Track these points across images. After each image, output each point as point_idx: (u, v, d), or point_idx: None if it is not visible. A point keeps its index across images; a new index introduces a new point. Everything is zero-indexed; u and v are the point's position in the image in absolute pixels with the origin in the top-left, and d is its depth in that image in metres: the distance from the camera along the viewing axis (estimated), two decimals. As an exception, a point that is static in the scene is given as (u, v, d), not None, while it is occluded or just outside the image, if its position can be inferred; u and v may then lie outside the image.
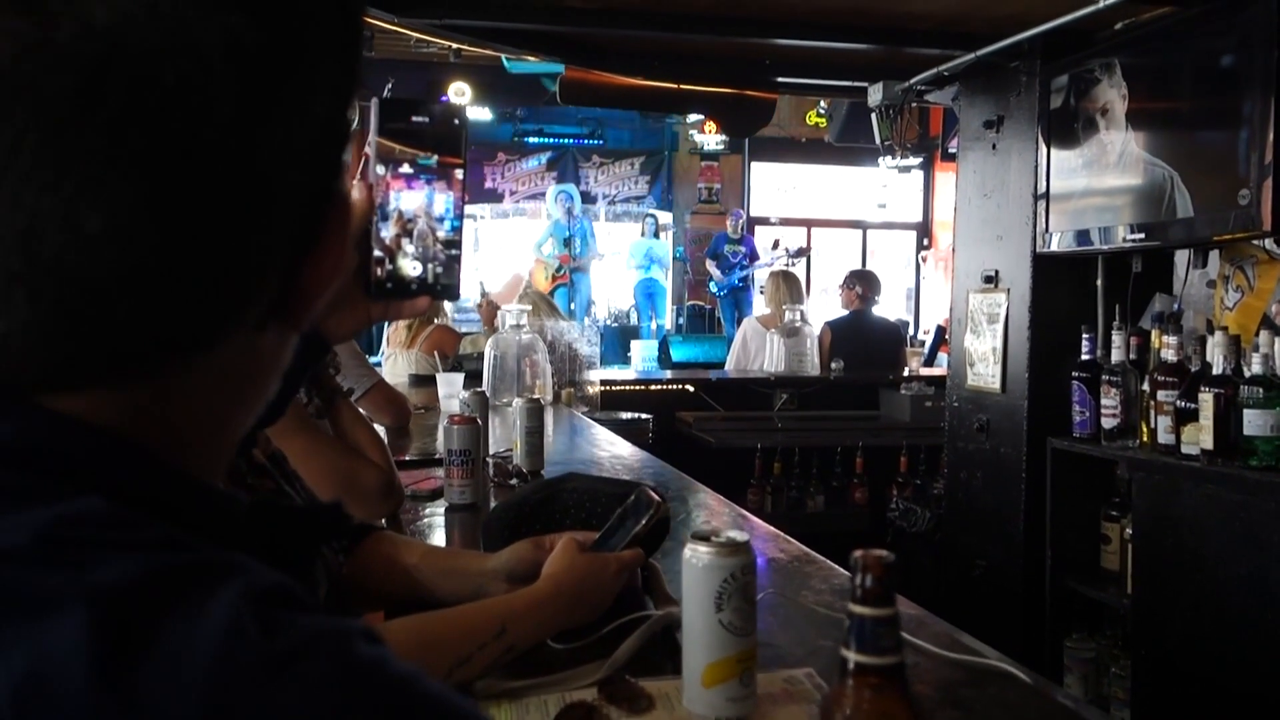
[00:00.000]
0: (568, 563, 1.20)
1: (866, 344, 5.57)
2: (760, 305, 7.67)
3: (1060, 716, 1.12)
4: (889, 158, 4.21)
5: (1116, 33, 3.09)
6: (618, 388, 4.97)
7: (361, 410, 2.04)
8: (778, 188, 11.73)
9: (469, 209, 0.90)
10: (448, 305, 5.31)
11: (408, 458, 2.56)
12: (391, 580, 1.29)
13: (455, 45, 5.05)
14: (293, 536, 0.55)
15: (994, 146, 3.56)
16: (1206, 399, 2.54)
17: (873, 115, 4.03)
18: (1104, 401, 2.94)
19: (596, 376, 4.73)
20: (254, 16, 0.42)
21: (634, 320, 10.31)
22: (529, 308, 4.19)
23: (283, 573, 0.42)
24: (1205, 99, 2.76)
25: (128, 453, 0.43)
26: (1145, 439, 2.84)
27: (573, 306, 9.77)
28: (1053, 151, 3.28)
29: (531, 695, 1.06)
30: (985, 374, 3.55)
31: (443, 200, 0.88)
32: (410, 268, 0.87)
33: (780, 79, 4.13)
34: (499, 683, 1.08)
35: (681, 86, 4.11)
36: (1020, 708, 1.12)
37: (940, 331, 7.85)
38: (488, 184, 10.84)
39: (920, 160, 9.98)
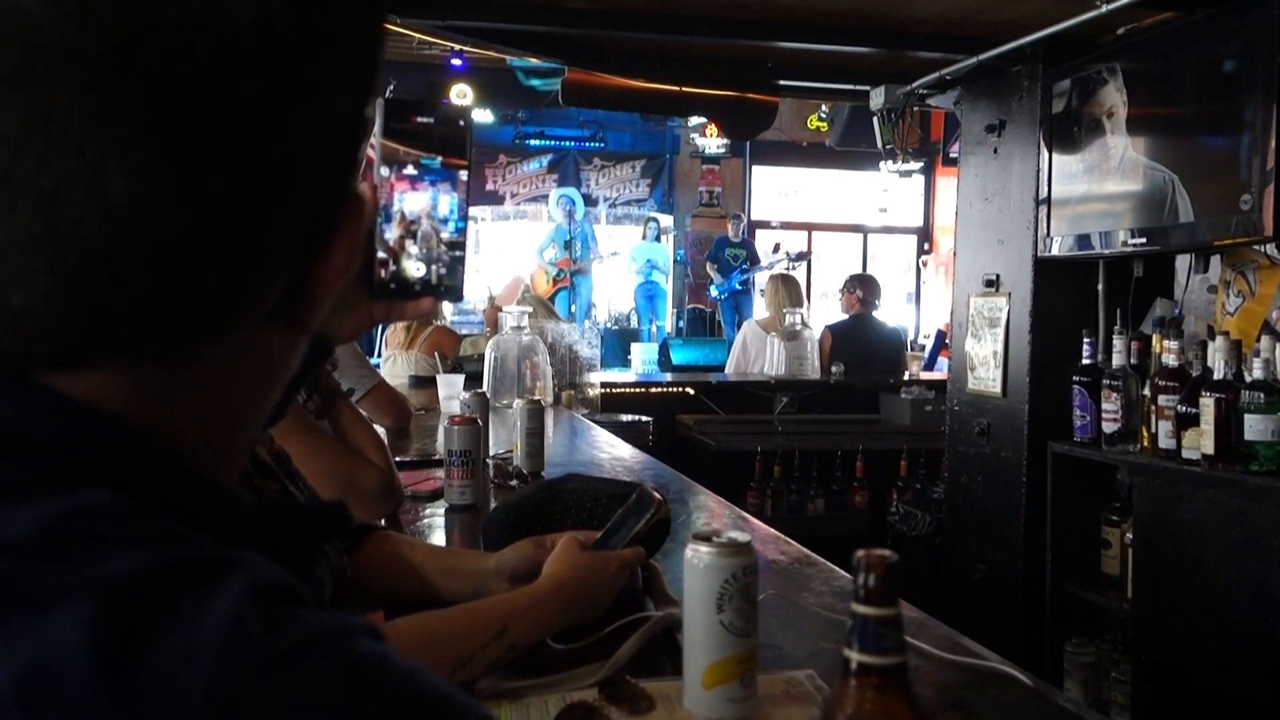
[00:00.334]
0: (569, 561, 1.20)
1: (867, 348, 5.57)
2: (761, 309, 7.67)
3: (1061, 720, 1.12)
4: (890, 162, 4.22)
5: (1119, 38, 3.09)
6: (618, 390, 4.97)
7: (362, 411, 2.04)
8: (779, 191, 11.74)
9: (470, 211, 0.90)
10: (447, 307, 5.32)
11: (408, 458, 2.56)
12: (393, 579, 1.29)
13: (457, 47, 5.06)
14: (296, 534, 0.55)
15: (995, 151, 3.56)
16: (1207, 404, 2.53)
17: (874, 119, 4.03)
18: (1105, 406, 2.94)
19: (597, 379, 4.73)
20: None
21: (634, 323, 10.31)
22: (530, 309, 4.20)
23: (286, 570, 0.42)
24: (1207, 104, 2.76)
25: (135, 444, 0.43)
26: (1146, 443, 2.83)
27: (573, 309, 9.78)
28: (1054, 156, 3.28)
29: (532, 695, 1.06)
30: (986, 378, 3.55)
31: (446, 201, 0.88)
32: (414, 269, 0.87)
33: (782, 82, 4.13)
34: (499, 682, 1.07)
35: (683, 89, 4.11)
36: (1021, 710, 1.12)
37: (940, 336, 7.86)
38: (489, 186, 10.85)
39: (921, 164, 10.03)
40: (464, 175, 0.88)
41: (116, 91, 0.39)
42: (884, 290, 6.30)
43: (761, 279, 8.99)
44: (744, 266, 9.86)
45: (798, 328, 5.48)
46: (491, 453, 2.42)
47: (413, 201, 0.87)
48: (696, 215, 11.31)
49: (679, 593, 1.11)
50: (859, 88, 4.01)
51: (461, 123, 0.89)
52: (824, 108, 10.18)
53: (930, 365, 7.49)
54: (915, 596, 1.50)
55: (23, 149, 0.38)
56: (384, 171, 0.86)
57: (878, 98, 3.87)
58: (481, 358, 3.90)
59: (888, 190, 11.41)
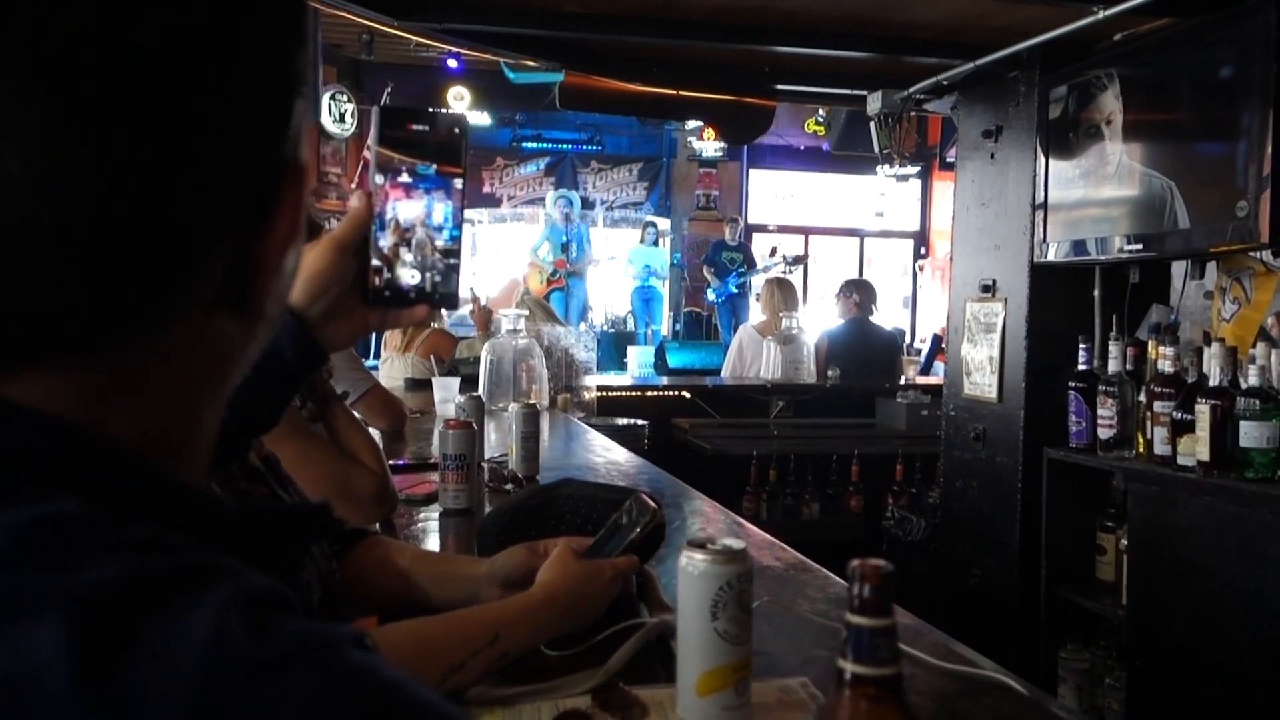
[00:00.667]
0: (563, 569, 1.19)
1: (863, 352, 5.57)
2: (757, 312, 7.68)
3: (1056, 728, 1.11)
4: (887, 166, 4.22)
5: (1115, 44, 3.10)
6: (614, 393, 4.96)
7: (357, 414, 2.03)
8: (776, 195, 11.75)
9: (466, 213, 0.89)
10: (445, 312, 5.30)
11: (402, 462, 2.55)
12: (385, 584, 1.28)
13: (454, 49, 5.05)
14: (279, 539, 0.54)
15: (992, 156, 3.56)
16: (1203, 410, 2.53)
17: (871, 124, 4.03)
18: (1100, 412, 2.94)
19: (593, 382, 4.72)
20: None
21: (631, 326, 10.30)
22: (526, 313, 4.19)
23: (270, 576, 0.41)
24: (1204, 110, 2.76)
25: (100, 448, 0.42)
26: (1141, 450, 2.83)
27: (567, 311, 9.77)
28: (1051, 161, 3.28)
29: (524, 702, 1.06)
30: (982, 383, 3.54)
31: (441, 209, 0.88)
32: (408, 277, 0.87)
33: (779, 86, 4.13)
34: (491, 690, 1.07)
35: (681, 93, 4.11)
36: None
37: (936, 340, 7.87)
38: (485, 189, 10.85)
39: (918, 169, 10.04)
40: (459, 183, 0.88)
41: (1, 65, 0.37)
42: (880, 295, 6.30)
43: (758, 283, 8.99)
44: (740, 270, 9.86)
45: (794, 332, 5.48)
46: (486, 456, 2.42)
47: (407, 209, 0.86)
48: (693, 219, 11.30)
49: (673, 598, 1.11)
50: (856, 92, 4.01)
51: (457, 130, 0.88)
52: (821, 112, 10.19)
53: (926, 370, 7.50)
54: (910, 602, 1.50)
55: None
56: (379, 179, 0.86)
57: (875, 102, 3.88)
58: (477, 360, 3.90)
59: (884, 194, 11.43)
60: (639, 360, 7.98)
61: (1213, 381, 2.55)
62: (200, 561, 0.39)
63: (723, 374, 5.99)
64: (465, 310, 6.04)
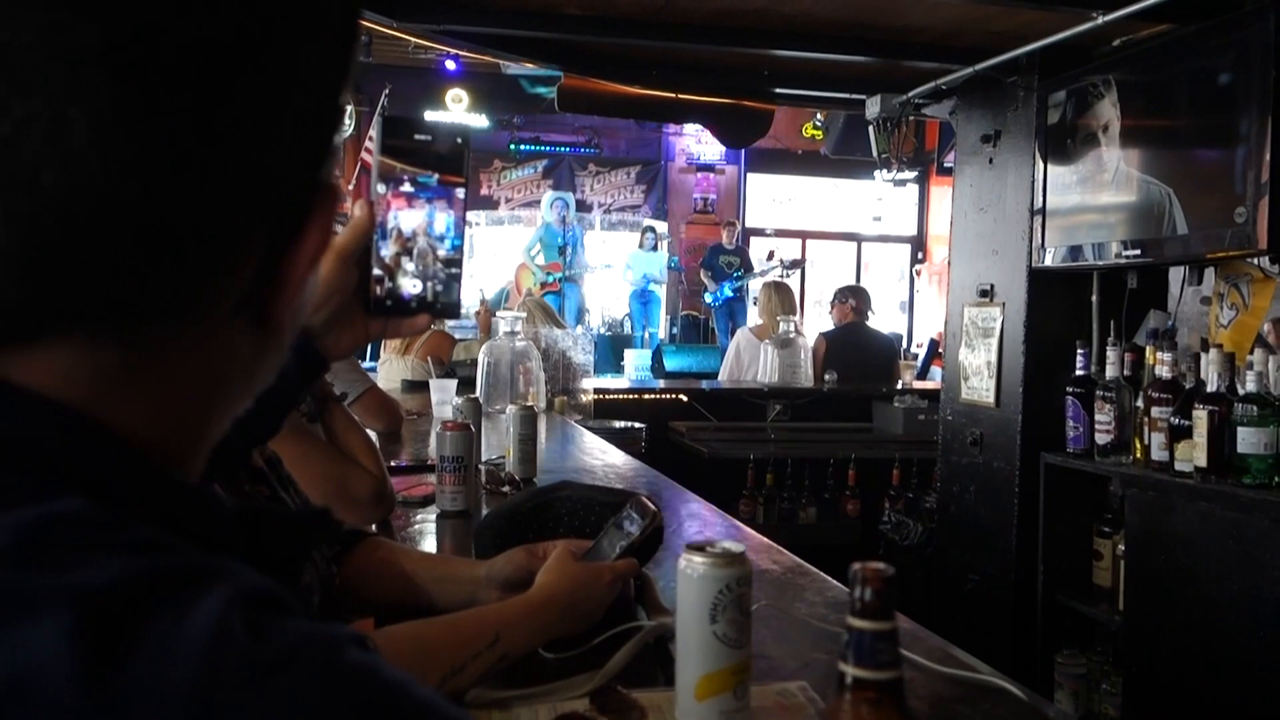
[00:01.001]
0: (562, 571, 1.19)
1: (860, 356, 5.57)
2: (754, 316, 7.68)
3: (1055, 733, 1.11)
4: (885, 171, 4.22)
5: (1114, 49, 3.10)
6: (611, 396, 4.96)
7: (354, 415, 2.03)
8: (773, 199, 11.76)
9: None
10: (444, 317, 5.30)
11: (400, 463, 2.55)
12: (384, 586, 1.28)
13: (454, 51, 5.05)
14: (280, 542, 0.54)
15: (990, 161, 3.57)
16: (1200, 416, 2.54)
17: (869, 128, 4.04)
18: (1098, 417, 2.94)
19: (590, 385, 4.72)
20: None
21: (628, 329, 10.30)
22: (524, 314, 4.19)
23: (270, 578, 0.41)
24: (1202, 117, 2.76)
25: (105, 443, 0.42)
26: (1139, 455, 2.83)
27: (562, 315, 9.76)
28: (1049, 167, 3.28)
29: (522, 705, 1.06)
30: (979, 388, 3.55)
31: (443, 219, 0.88)
32: (410, 286, 0.87)
33: (778, 90, 4.13)
34: (490, 692, 1.07)
35: (679, 96, 4.10)
36: (1014, 724, 1.11)
37: (934, 345, 7.87)
38: (483, 191, 10.86)
39: (916, 174, 10.07)
40: (461, 193, 0.88)
41: (79, 31, 0.38)
42: (877, 299, 6.30)
43: (755, 286, 9.00)
44: (738, 274, 9.87)
45: (791, 335, 5.48)
46: (484, 458, 2.41)
47: (409, 218, 0.86)
48: (691, 222, 11.31)
49: (671, 602, 1.10)
50: (855, 96, 4.01)
51: (459, 140, 0.88)
52: (819, 116, 10.20)
53: (923, 374, 7.50)
54: (907, 606, 1.50)
55: None
56: (380, 188, 0.86)
57: (873, 107, 3.88)
58: (475, 362, 3.89)
59: (882, 199, 11.44)
60: (636, 363, 7.98)
61: (1210, 387, 2.55)
62: (201, 562, 0.39)
63: (720, 377, 5.99)
64: (472, 310, 6.06)
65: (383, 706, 0.38)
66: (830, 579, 1.57)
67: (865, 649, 0.65)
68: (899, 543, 4.21)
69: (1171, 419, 2.67)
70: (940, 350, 4.55)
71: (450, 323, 6.65)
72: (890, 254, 12.03)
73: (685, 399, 5.09)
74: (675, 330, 10.51)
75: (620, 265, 10.65)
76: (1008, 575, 3.36)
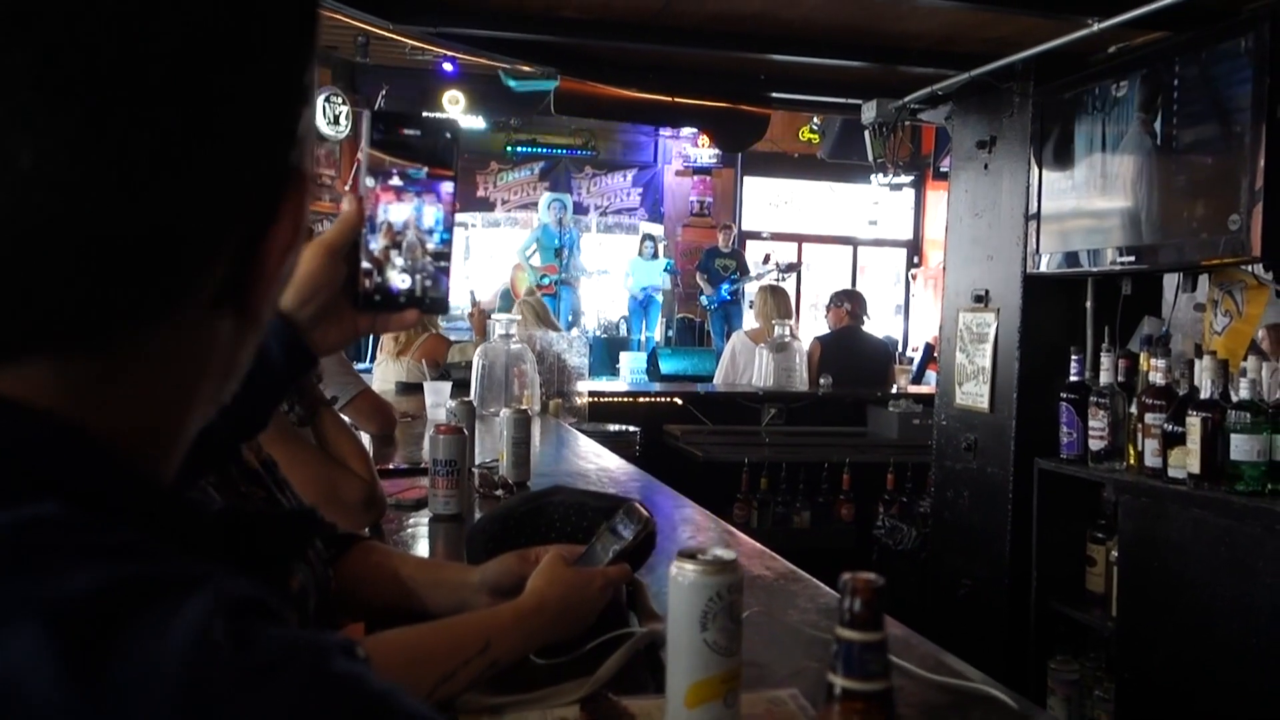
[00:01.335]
0: (553, 577, 1.19)
1: (855, 360, 5.58)
2: (750, 320, 7.68)
3: (1045, 742, 1.11)
4: (881, 175, 4.22)
5: (1109, 56, 3.11)
6: (606, 399, 4.96)
7: (346, 418, 2.02)
8: (769, 203, 11.77)
9: (459, 217, 0.89)
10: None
11: (393, 466, 2.54)
12: (380, 590, 1.28)
13: (451, 53, 5.05)
14: (267, 544, 0.54)
15: (986, 166, 3.57)
16: (1194, 423, 2.54)
17: (865, 132, 4.04)
18: (1092, 423, 2.94)
19: (585, 388, 4.72)
20: None
21: (624, 332, 10.30)
22: (519, 317, 4.18)
23: (257, 580, 0.40)
24: (1196, 124, 2.77)
25: (83, 447, 0.41)
26: (1132, 461, 2.84)
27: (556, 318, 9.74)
28: (1044, 172, 3.29)
29: (513, 712, 1.05)
30: (974, 393, 3.55)
31: (432, 213, 0.87)
32: (398, 280, 0.87)
33: (774, 94, 4.14)
34: (480, 699, 1.06)
35: (676, 99, 4.11)
36: (1005, 733, 1.11)
37: (929, 349, 7.86)
38: (479, 193, 10.84)
39: (912, 178, 10.08)
40: (450, 187, 0.88)
41: (16, 54, 0.37)
42: (871, 304, 6.30)
43: (751, 290, 9.00)
44: (734, 277, 9.87)
45: (786, 339, 5.48)
46: (477, 462, 2.41)
47: (398, 212, 0.86)
48: (687, 225, 11.31)
49: (663, 607, 1.10)
50: (851, 101, 4.02)
51: (448, 135, 0.88)
52: (815, 120, 10.20)
53: (918, 379, 7.49)
54: (899, 611, 1.50)
55: None
56: (370, 182, 0.86)
57: (869, 112, 3.88)
58: (468, 365, 3.89)
59: (878, 203, 11.45)
60: (631, 366, 7.97)
61: (1204, 394, 2.56)
62: (181, 568, 0.39)
63: (715, 381, 5.99)
64: (465, 313, 6.05)
65: (369, 716, 0.38)
66: (822, 585, 1.57)
67: (854, 660, 0.65)
68: (893, 547, 4.21)
69: (1165, 425, 2.67)
70: (935, 355, 4.55)
71: (445, 325, 6.65)
72: (886, 258, 12.04)
73: (680, 402, 5.09)
74: (670, 333, 10.51)
75: (616, 270, 10.64)
76: (1001, 581, 3.36)
